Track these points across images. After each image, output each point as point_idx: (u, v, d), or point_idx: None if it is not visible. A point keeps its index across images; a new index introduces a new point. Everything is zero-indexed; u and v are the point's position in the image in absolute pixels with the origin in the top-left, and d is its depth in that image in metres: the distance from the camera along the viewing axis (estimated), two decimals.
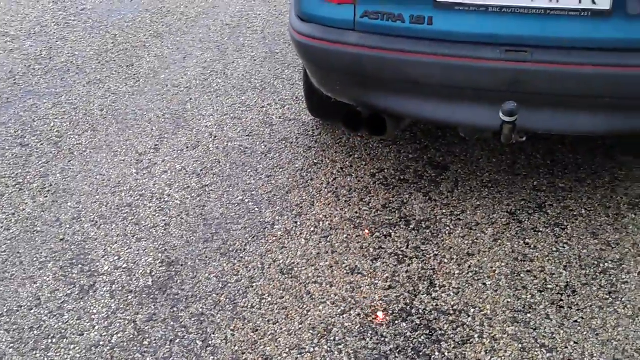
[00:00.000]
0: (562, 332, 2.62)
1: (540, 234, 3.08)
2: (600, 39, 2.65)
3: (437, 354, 2.57)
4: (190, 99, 4.27)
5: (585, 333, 2.61)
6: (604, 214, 3.18)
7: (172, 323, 2.73)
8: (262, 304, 2.79)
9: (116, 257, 3.06)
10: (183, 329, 2.70)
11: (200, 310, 2.78)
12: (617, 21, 2.59)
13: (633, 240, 3.01)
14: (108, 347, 2.64)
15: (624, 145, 3.56)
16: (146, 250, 3.09)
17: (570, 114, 2.82)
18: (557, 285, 2.82)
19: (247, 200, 3.37)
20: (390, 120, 3.12)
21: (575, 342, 2.58)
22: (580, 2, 2.58)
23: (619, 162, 3.50)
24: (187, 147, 3.80)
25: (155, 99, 4.27)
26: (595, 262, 2.92)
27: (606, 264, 2.91)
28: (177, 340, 2.66)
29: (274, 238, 3.12)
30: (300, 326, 2.69)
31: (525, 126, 2.78)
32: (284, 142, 3.80)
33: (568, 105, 2.79)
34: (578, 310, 2.71)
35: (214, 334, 2.67)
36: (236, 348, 2.61)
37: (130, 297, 2.86)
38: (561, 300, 2.76)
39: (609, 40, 2.65)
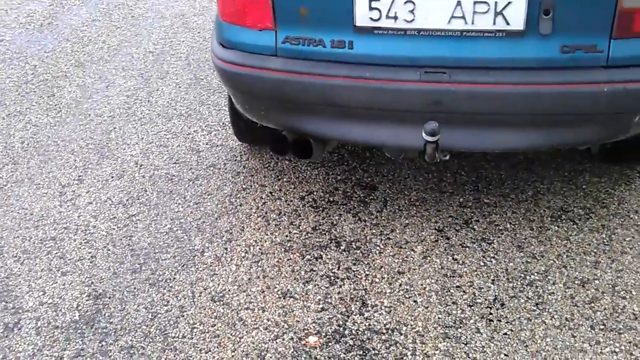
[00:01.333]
0: (492, 345, 2.66)
1: (467, 249, 3.13)
2: (515, 59, 2.71)
3: None
4: (114, 127, 4.20)
5: (514, 345, 2.66)
6: (528, 227, 3.25)
7: (100, 358, 2.66)
8: (194, 333, 2.75)
9: (41, 293, 2.97)
10: None
11: (130, 342, 2.72)
12: (530, 41, 2.66)
13: (557, 252, 3.09)
14: None
15: (605, 153, 3.56)
16: (72, 284, 3.01)
17: (491, 132, 2.87)
18: (486, 299, 2.86)
19: (175, 229, 3.32)
20: (317, 143, 3.14)
21: (505, 355, 2.62)
22: (494, 23, 2.64)
23: (540, 175, 3.59)
24: (112, 177, 3.73)
25: (77, 129, 4.19)
26: (522, 275, 2.98)
27: (532, 276, 2.97)
28: None
29: (204, 265, 3.08)
30: (233, 354, 2.66)
31: (448, 145, 2.82)
32: (212, 168, 3.77)
33: (488, 123, 2.84)
34: (507, 322, 2.76)
35: None
36: None
37: (56, 333, 2.77)
38: (490, 313, 2.80)
39: (523, 59, 2.71)
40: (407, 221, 3.32)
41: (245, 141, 3.88)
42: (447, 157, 3.00)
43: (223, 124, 4.19)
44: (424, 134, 2.71)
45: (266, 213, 3.40)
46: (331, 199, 3.48)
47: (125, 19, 5.80)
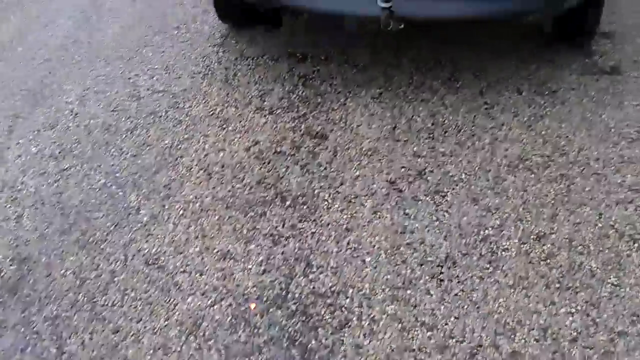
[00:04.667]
0: (442, 307, 2.52)
1: (420, 202, 2.96)
2: None
3: (313, 342, 2.42)
4: (50, 72, 3.93)
5: (466, 307, 2.51)
6: (484, 177, 3.08)
7: (23, 329, 2.48)
8: (125, 301, 2.57)
9: None
10: (35, 335, 2.46)
11: (55, 312, 2.53)
12: None
13: (513, 204, 2.93)
14: None
15: (559, 30, 3.89)
16: None
17: (438, 1, 3.22)
18: (437, 257, 2.71)
19: (109, 184, 3.11)
20: (286, 15, 3.71)
21: (456, 318, 2.48)
22: None
23: (499, 121, 3.41)
24: (45, 127, 3.48)
25: (10, 74, 3.91)
26: (475, 230, 2.82)
27: (486, 231, 2.81)
28: (29, 349, 2.42)
29: (139, 225, 2.88)
30: (166, 323, 2.48)
31: (401, 12, 3.12)
32: (152, 116, 3.54)
33: None
34: (458, 282, 2.61)
35: (69, 338, 2.44)
36: (94, 353, 2.39)
37: None
38: (441, 273, 2.65)
39: None
40: (357, 173, 3.13)
41: (226, 21, 4.22)
42: (402, 26, 3.22)
43: (167, 67, 3.93)
44: (379, 1, 3.06)
45: (208, 166, 3.19)
46: (278, 150, 3.28)
47: None
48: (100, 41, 4.20)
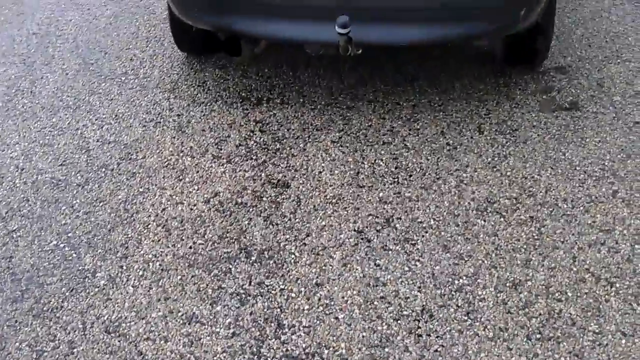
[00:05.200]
0: None
1: (390, 252, 2.86)
2: None
3: None
4: None
5: None
6: (453, 223, 3.01)
7: None
8: None
9: None
10: None
11: None
12: None
13: (485, 250, 2.86)
14: None
15: (510, 55, 3.92)
16: None
17: (395, 26, 3.29)
18: (413, 311, 2.61)
19: (62, 245, 2.93)
20: (246, 43, 3.73)
21: None
22: None
23: (463, 163, 3.35)
24: None
25: None
26: (450, 279, 2.73)
27: (461, 280, 2.73)
28: None
29: (96, 289, 2.71)
30: None
31: (359, 38, 3.15)
32: (103, 169, 3.37)
33: (392, 18, 3.26)
34: (437, 337, 2.51)
35: None
36: None
37: None
38: (419, 327, 2.55)
39: None
40: (323, 222, 3.02)
41: (185, 49, 4.19)
42: (360, 52, 3.29)
43: (116, 116, 3.77)
44: (336, 27, 3.06)
45: (166, 221, 3.04)
46: (239, 201, 3.15)
47: None
48: (43, 89, 4.02)
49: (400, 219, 3.04)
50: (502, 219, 3.02)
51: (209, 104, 3.85)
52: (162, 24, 4.65)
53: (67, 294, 2.69)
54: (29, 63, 4.30)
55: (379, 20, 3.27)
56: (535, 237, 2.92)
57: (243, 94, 3.92)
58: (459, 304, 2.63)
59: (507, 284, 2.70)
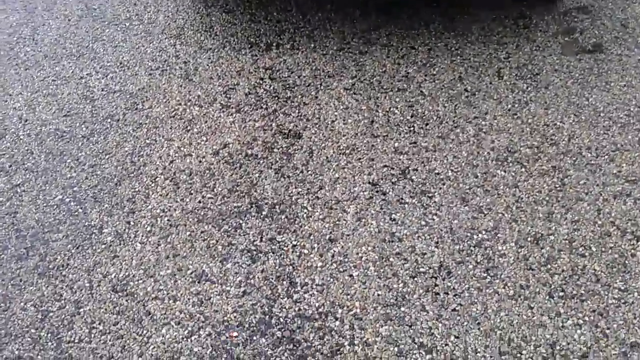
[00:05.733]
0: (440, 325, 2.32)
1: (406, 206, 2.75)
2: None
3: None
4: None
5: (465, 324, 2.32)
6: (471, 174, 2.88)
7: None
8: (93, 335, 2.32)
9: None
10: None
11: (17, 352, 2.28)
12: None
13: (505, 203, 2.74)
14: None
15: None
16: None
17: None
18: (430, 268, 2.51)
19: (67, 200, 2.83)
20: None
21: (455, 337, 2.29)
22: None
23: (482, 110, 3.21)
24: None
25: None
26: (468, 234, 2.62)
27: (480, 235, 2.62)
28: None
29: (103, 246, 2.62)
30: (139, 359, 2.24)
31: None
32: (109, 120, 3.25)
33: None
34: (455, 295, 2.41)
35: None
36: None
37: None
38: (436, 285, 2.45)
39: None
40: (336, 175, 2.91)
41: None
42: None
43: (121, 63, 3.64)
44: None
45: (174, 174, 2.94)
46: (249, 152, 3.03)
47: None
48: (45, 37, 3.88)
49: (417, 170, 2.92)
50: (523, 170, 2.89)
51: (216, 50, 3.71)
52: None
53: (73, 251, 2.61)
54: (30, 9, 4.15)
55: None
56: (558, 188, 2.80)
57: (252, 40, 3.77)
58: (478, 260, 2.52)
59: (529, 239, 2.59)
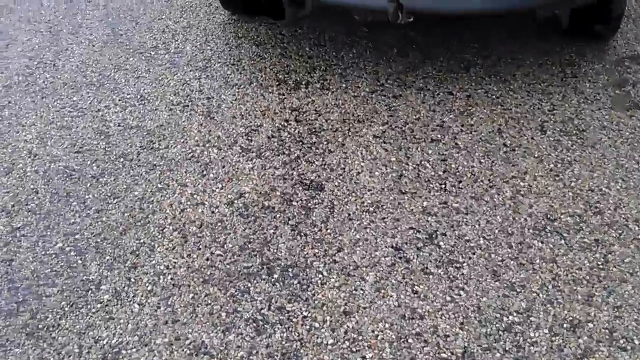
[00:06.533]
0: None
1: (431, 277, 2.51)
2: None
3: None
4: (10, 102, 3.46)
5: None
6: (505, 243, 2.63)
7: None
8: None
9: None
10: None
11: None
12: None
13: (541, 280, 2.48)
14: None
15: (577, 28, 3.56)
16: None
17: None
18: (452, 353, 2.26)
19: (67, 249, 2.65)
20: (290, 6, 3.34)
21: None
22: None
23: (521, 169, 2.95)
24: None
25: None
26: (498, 315, 2.37)
27: (510, 317, 2.36)
28: None
29: (99, 305, 2.43)
30: None
31: (411, 6, 2.96)
32: (122, 159, 3.07)
33: None
34: None
35: None
36: None
37: None
38: None
39: None
40: (358, 235, 2.68)
41: (229, 8, 3.97)
42: (411, 19, 3.04)
43: (141, 96, 3.46)
44: None
45: (184, 225, 2.74)
46: (266, 204, 2.82)
47: None
48: (67, 63, 3.73)
49: (445, 235, 2.67)
50: (562, 242, 2.63)
51: (242, 87, 3.51)
52: None
53: (66, 309, 2.42)
54: (54, 31, 4.01)
55: None
56: (600, 266, 2.53)
57: (280, 76, 3.57)
58: (507, 348, 2.27)
59: (565, 325, 2.33)
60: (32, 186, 2.95)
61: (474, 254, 2.60)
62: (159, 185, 2.93)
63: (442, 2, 3.04)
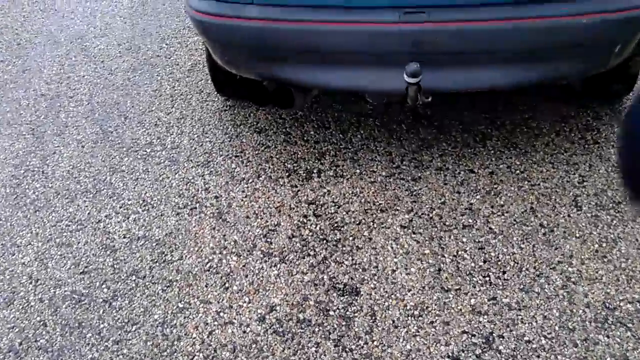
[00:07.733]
0: None
1: None
2: None
3: None
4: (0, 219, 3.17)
5: None
6: (569, 341, 2.42)
7: None
8: None
9: None
10: None
11: None
12: None
13: None
14: None
15: (591, 89, 3.45)
16: None
17: (472, 70, 2.83)
18: None
19: None
20: (298, 92, 3.19)
21: None
22: None
23: (565, 252, 2.77)
24: None
25: None
26: None
27: None
28: None
29: None
30: None
31: (430, 86, 2.78)
32: (134, 277, 2.81)
33: (469, 62, 2.81)
34: None
35: None
36: None
37: None
38: None
39: None
40: (408, 346, 2.45)
41: (226, 95, 3.75)
42: (430, 99, 2.93)
43: (143, 201, 3.21)
44: (405, 76, 2.69)
45: (215, 351, 2.47)
46: (301, 317, 2.58)
47: (10, 49, 4.69)
48: (57, 168, 3.46)
49: (503, 337, 2.45)
50: (629, 334, 2.43)
51: (250, 181, 3.29)
52: (187, 77, 4.12)
53: None
54: (38, 134, 3.75)
55: (454, 64, 2.82)
56: None
57: (289, 165, 3.36)
58: None
59: None
60: (38, 318, 2.66)
61: (538, 357, 2.38)
62: (180, 305, 2.67)
63: (465, 80, 2.86)
